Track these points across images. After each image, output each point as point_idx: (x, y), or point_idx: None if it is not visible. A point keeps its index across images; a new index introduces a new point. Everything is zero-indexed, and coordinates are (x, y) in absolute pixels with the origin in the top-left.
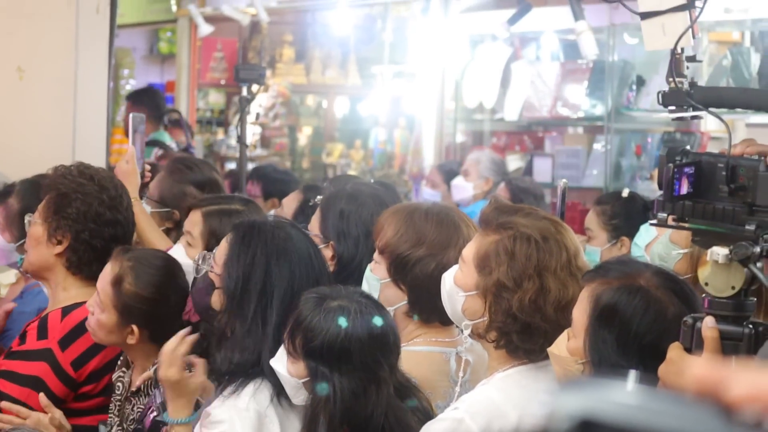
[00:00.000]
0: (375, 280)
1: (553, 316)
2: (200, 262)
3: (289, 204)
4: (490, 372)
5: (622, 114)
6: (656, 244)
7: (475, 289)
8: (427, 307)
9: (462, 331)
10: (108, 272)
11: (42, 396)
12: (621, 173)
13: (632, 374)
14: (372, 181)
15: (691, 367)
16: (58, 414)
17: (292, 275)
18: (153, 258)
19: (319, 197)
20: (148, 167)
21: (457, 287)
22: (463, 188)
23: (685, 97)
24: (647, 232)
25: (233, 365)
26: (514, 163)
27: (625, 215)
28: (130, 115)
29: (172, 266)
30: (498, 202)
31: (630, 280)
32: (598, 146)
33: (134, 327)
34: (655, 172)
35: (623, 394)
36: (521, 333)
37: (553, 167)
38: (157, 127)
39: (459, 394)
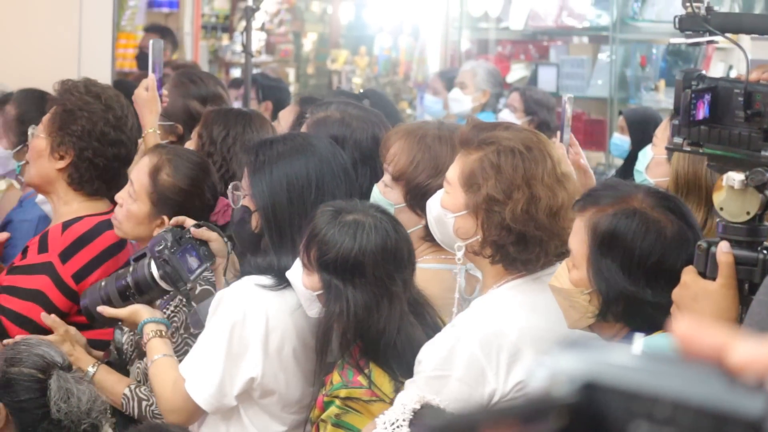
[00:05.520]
0: (388, 204)
1: (546, 222)
2: (233, 191)
3: (286, 117)
4: (484, 290)
5: (628, 24)
6: None
7: (464, 209)
8: None
9: (455, 252)
10: (145, 163)
11: (44, 315)
12: (626, 84)
13: (637, 337)
14: (362, 90)
15: (677, 326)
16: (72, 330)
17: (317, 173)
18: (190, 154)
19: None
20: (165, 92)
21: (445, 210)
22: (461, 101)
23: (701, 22)
24: (645, 157)
25: (272, 269)
26: (519, 72)
27: None
28: (150, 42)
29: (207, 165)
30: (475, 121)
31: (624, 204)
32: (603, 56)
33: (165, 218)
34: (660, 83)
35: (626, 356)
36: (517, 244)
37: (557, 77)
38: None
39: (456, 314)
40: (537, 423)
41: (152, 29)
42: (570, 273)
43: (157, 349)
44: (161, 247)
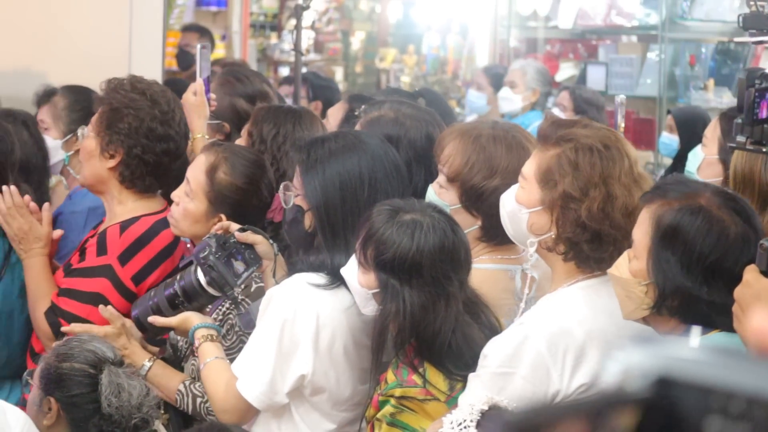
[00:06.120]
0: (444, 205)
1: (621, 222)
2: (284, 191)
3: (335, 114)
4: (554, 287)
5: (677, 23)
6: None
7: (539, 205)
8: (503, 232)
9: (527, 248)
10: (202, 161)
11: (102, 307)
12: (675, 83)
13: (694, 330)
14: (416, 89)
15: (751, 321)
16: (128, 323)
17: (369, 171)
18: (246, 152)
19: (363, 107)
20: (213, 96)
21: (519, 205)
22: (511, 100)
23: (765, 20)
24: (695, 157)
25: (325, 267)
26: (568, 71)
27: None
28: (198, 46)
29: (263, 162)
30: (554, 117)
31: (691, 200)
32: (652, 55)
33: (222, 216)
34: (710, 83)
35: (698, 352)
36: (591, 242)
37: (606, 76)
38: None
39: (524, 311)
40: (611, 417)
41: (190, 28)
42: (630, 263)
43: (209, 352)
44: (206, 253)
